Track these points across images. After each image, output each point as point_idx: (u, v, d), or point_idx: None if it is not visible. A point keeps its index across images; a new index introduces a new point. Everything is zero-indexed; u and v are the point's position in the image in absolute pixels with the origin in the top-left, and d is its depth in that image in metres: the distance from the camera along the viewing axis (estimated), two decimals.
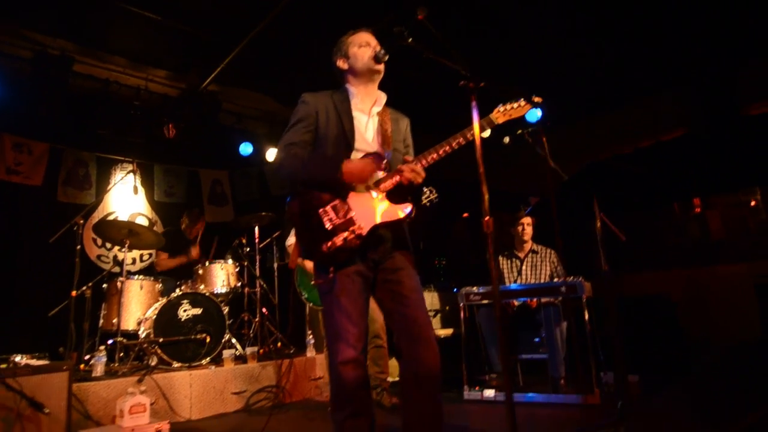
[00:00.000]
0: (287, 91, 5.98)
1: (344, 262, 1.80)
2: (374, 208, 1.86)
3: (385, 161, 1.93)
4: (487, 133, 1.74)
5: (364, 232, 1.81)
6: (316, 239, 1.81)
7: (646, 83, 6.07)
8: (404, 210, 1.87)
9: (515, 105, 1.94)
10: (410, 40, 1.89)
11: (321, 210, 1.85)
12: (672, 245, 8.42)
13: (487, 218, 1.57)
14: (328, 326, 1.82)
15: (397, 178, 1.88)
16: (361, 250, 1.82)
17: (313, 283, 3.72)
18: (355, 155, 1.94)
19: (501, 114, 1.96)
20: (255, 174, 6.79)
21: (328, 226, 1.82)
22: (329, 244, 1.78)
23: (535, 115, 4.74)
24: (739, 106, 6.01)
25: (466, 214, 9.78)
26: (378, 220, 1.85)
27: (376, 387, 3.59)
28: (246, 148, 6.25)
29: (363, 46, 2.06)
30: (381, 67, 2.04)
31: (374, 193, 1.89)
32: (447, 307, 5.41)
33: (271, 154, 6.38)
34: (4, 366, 2.71)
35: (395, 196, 1.90)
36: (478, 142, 1.64)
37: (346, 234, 1.80)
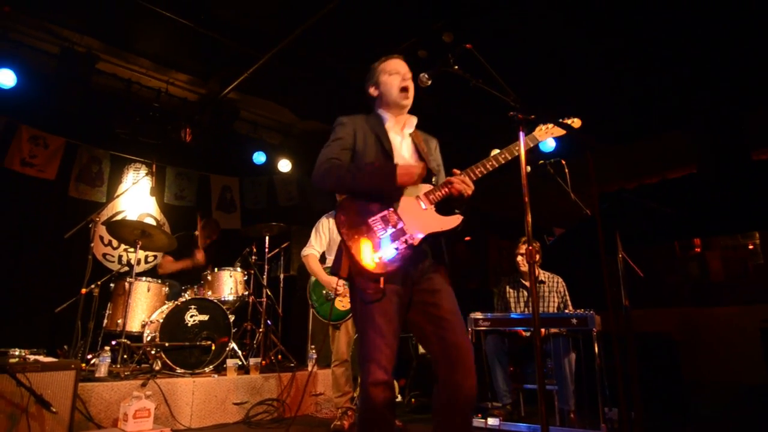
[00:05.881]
0: (305, 105, 6.04)
1: (391, 275, 1.78)
2: (424, 219, 1.85)
3: (432, 175, 1.95)
4: (528, 168, 1.77)
5: (416, 242, 1.81)
6: (367, 250, 1.80)
7: (656, 120, 6.14)
8: (454, 221, 1.87)
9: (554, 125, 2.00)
10: (456, 67, 1.94)
11: (371, 220, 1.84)
12: (670, 284, 8.45)
13: (530, 247, 1.58)
14: (361, 345, 1.80)
15: (446, 189, 1.89)
16: (409, 261, 1.81)
17: (330, 293, 3.70)
18: None
19: (543, 132, 2.04)
20: (265, 183, 6.81)
21: (380, 236, 1.81)
22: (381, 254, 1.77)
23: (546, 146, 4.83)
24: (749, 150, 6.09)
25: (468, 237, 9.80)
26: (429, 230, 1.85)
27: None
28: (259, 157, 6.29)
29: (392, 74, 2.10)
30: (408, 102, 2.10)
31: (423, 204, 1.89)
32: None
33: (283, 165, 6.42)
34: (13, 360, 2.65)
35: (443, 207, 1.91)
36: (524, 172, 1.66)
37: (397, 244, 1.79)
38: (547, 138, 2.04)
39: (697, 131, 6.31)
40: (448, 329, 1.79)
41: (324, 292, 3.71)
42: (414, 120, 2.14)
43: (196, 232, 5.02)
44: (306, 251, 3.74)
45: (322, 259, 3.79)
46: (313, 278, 3.76)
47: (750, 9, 4.07)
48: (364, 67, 2.24)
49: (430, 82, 2.06)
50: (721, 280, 8.28)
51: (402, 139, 2.08)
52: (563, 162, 3.23)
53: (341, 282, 3.47)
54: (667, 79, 5.26)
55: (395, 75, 2.09)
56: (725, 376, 6.41)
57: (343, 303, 3.62)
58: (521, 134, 1.71)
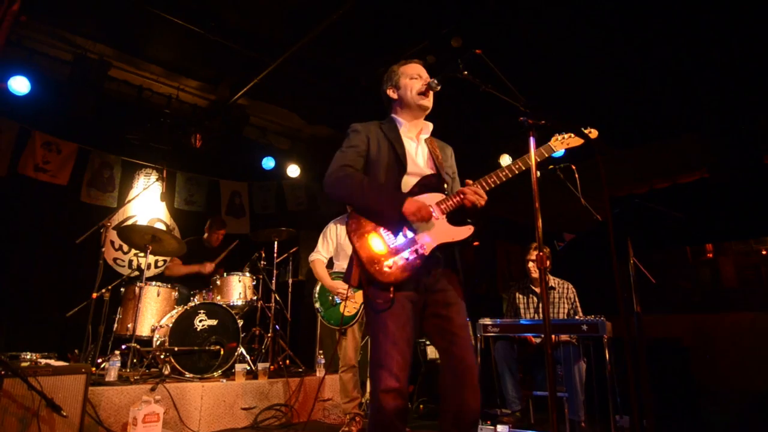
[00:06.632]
0: (313, 110, 6.07)
1: (402, 284, 1.78)
2: (435, 229, 1.85)
3: (445, 183, 1.94)
4: (538, 173, 1.75)
5: (427, 252, 1.80)
6: (377, 259, 1.79)
7: (667, 124, 6.08)
8: (466, 232, 1.87)
9: (572, 135, 1.98)
10: (465, 72, 1.94)
11: (382, 229, 1.84)
12: (682, 289, 8.34)
13: (540, 253, 1.57)
14: (373, 351, 1.79)
15: (458, 199, 1.89)
16: (420, 271, 1.80)
17: (336, 297, 3.70)
18: (409, 179, 1.95)
19: (559, 143, 2.01)
20: (273, 188, 6.84)
21: (390, 245, 1.81)
22: (391, 264, 1.77)
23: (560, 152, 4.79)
24: (761, 154, 6.02)
25: (476, 242, 9.77)
26: (439, 240, 1.84)
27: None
28: (268, 162, 6.33)
29: (414, 78, 2.10)
30: (429, 103, 2.10)
31: (435, 214, 1.89)
32: None
33: (292, 170, 6.45)
34: (25, 364, 2.68)
35: (455, 217, 1.90)
36: (534, 177, 1.65)
37: (407, 254, 1.79)
38: (563, 149, 2.03)
39: (708, 135, 6.24)
40: (457, 344, 1.79)
41: (330, 297, 3.71)
42: (430, 126, 2.14)
43: (205, 236, 5.05)
44: (313, 256, 3.75)
45: (330, 264, 3.79)
46: (319, 283, 3.76)
47: (762, 12, 4.03)
48: (373, 72, 2.25)
49: (439, 88, 2.07)
50: (733, 286, 8.16)
51: (417, 145, 2.08)
52: (573, 167, 3.20)
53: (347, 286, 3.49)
54: (678, 83, 5.21)
55: (417, 79, 2.09)
56: (737, 383, 6.31)
57: (348, 308, 3.61)
58: (531, 139, 1.70)
